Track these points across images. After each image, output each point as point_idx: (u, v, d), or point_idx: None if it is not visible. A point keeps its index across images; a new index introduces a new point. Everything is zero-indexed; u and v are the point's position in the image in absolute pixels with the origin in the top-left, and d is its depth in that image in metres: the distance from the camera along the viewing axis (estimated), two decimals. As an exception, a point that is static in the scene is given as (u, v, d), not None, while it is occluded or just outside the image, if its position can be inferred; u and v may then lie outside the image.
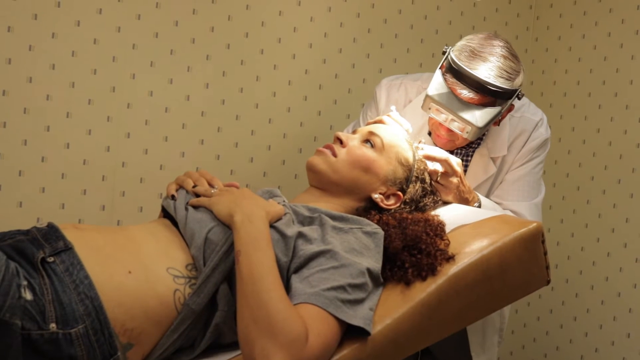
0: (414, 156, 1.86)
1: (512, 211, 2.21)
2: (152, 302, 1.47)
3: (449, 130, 2.07)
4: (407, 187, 1.83)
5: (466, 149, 2.27)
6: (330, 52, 2.87)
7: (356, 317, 1.47)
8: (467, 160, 2.27)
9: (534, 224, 1.75)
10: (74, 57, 2.43)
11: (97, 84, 2.48)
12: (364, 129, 1.88)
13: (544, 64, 3.26)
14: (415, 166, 1.85)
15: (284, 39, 2.77)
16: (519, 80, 2.03)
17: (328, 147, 1.81)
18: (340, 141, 1.82)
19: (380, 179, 1.80)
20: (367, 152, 1.80)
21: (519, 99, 2.04)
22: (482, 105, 1.99)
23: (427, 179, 1.89)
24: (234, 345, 1.54)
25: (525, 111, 2.28)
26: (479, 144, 2.25)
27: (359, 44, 2.91)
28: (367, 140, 1.83)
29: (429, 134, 2.22)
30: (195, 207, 1.64)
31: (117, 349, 1.42)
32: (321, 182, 1.79)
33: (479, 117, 1.98)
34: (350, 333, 1.49)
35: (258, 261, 1.45)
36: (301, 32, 2.80)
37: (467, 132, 2.02)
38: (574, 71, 3.15)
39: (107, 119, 2.51)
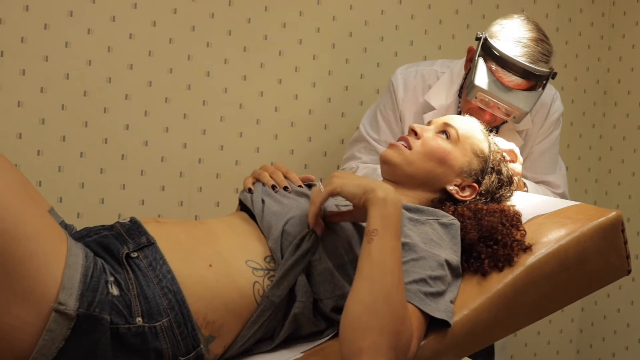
0: (489, 147, 1.83)
1: (546, 182, 2.38)
2: (232, 295, 1.48)
3: (493, 115, 2.16)
4: (483, 178, 1.79)
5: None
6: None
7: (439, 309, 1.46)
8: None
9: (614, 213, 1.71)
10: (150, 57, 2.49)
11: (173, 83, 2.53)
12: (438, 120, 1.85)
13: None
14: (491, 157, 1.82)
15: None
16: (552, 59, 2.12)
17: (403, 139, 1.80)
18: (415, 133, 1.80)
19: (455, 170, 1.77)
20: (442, 143, 1.78)
21: (553, 78, 2.15)
22: (527, 90, 2.11)
23: (503, 170, 1.84)
24: (312, 335, 1.56)
25: None
26: None
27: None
28: (442, 132, 1.80)
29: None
30: (270, 199, 1.65)
31: (200, 342, 1.44)
32: (395, 175, 1.77)
33: (525, 102, 2.10)
34: (429, 325, 1.47)
35: (393, 251, 1.39)
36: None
37: (513, 117, 2.13)
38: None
39: (183, 117, 2.56)
